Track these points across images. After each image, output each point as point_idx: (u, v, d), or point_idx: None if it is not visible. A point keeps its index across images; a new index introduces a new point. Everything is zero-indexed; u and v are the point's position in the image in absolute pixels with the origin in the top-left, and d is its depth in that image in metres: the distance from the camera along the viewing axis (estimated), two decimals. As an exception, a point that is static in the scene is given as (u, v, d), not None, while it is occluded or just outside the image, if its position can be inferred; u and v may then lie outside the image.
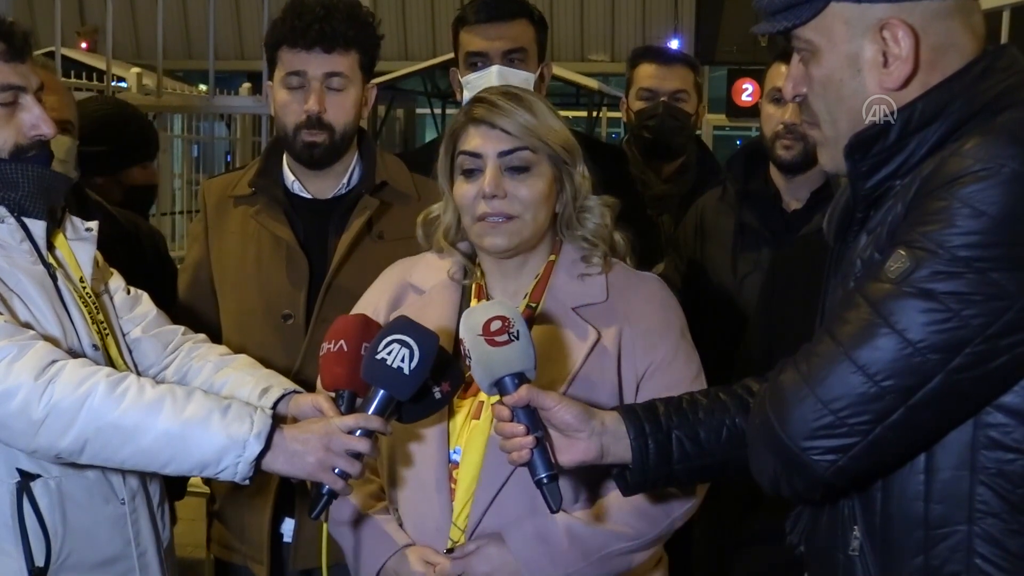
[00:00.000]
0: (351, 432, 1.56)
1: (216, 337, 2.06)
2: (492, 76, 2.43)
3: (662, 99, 3.07)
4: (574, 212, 1.75)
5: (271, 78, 2.24)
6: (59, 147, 1.84)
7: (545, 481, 1.47)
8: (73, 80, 4.61)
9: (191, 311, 2.21)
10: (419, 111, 16.75)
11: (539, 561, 1.63)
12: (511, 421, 1.48)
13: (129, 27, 14.93)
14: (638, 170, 3.07)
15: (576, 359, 1.68)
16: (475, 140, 1.70)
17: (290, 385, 1.81)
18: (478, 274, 1.80)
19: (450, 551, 1.68)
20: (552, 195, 1.73)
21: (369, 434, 1.57)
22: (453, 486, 1.69)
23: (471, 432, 1.70)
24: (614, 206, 1.77)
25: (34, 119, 1.70)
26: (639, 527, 1.66)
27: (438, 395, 1.63)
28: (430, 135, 15.19)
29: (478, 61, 2.49)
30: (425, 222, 1.84)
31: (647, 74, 3.13)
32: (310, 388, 1.85)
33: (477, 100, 1.74)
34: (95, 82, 4.62)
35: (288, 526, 2.19)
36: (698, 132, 3.32)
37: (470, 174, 1.71)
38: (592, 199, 1.76)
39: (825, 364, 1.17)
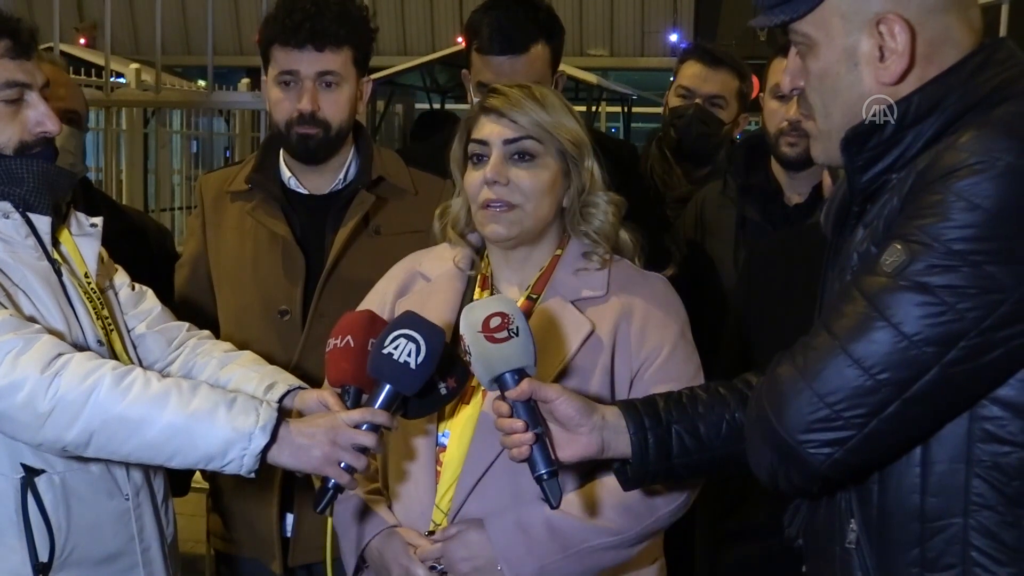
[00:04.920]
0: (357, 426, 1.57)
1: (214, 332, 2.06)
2: None
3: (696, 101, 2.97)
4: (579, 207, 1.76)
5: (267, 73, 2.23)
6: (66, 140, 1.84)
7: (545, 477, 1.47)
8: (72, 76, 4.59)
9: (189, 306, 2.21)
10: (418, 106, 16.72)
11: (516, 551, 1.63)
12: (510, 417, 1.48)
13: (127, 23, 14.93)
14: (662, 169, 3.02)
15: (569, 349, 1.68)
16: (485, 128, 1.73)
17: (295, 381, 1.81)
18: (484, 264, 1.82)
19: (431, 533, 1.69)
20: (557, 188, 1.74)
21: (375, 429, 1.58)
22: (439, 469, 1.71)
23: (460, 416, 1.72)
24: (620, 204, 1.78)
25: (39, 116, 1.70)
26: (622, 523, 1.65)
27: (444, 391, 1.63)
28: (429, 130, 15.16)
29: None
30: (441, 215, 1.85)
31: (689, 73, 3.00)
32: (309, 383, 1.85)
33: (492, 91, 1.77)
34: (94, 78, 4.60)
35: (288, 521, 2.20)
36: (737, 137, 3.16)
37: (478, 161, 1.74)
38: (599, 196, 1.77)
39: (821, 357, 1.18)
